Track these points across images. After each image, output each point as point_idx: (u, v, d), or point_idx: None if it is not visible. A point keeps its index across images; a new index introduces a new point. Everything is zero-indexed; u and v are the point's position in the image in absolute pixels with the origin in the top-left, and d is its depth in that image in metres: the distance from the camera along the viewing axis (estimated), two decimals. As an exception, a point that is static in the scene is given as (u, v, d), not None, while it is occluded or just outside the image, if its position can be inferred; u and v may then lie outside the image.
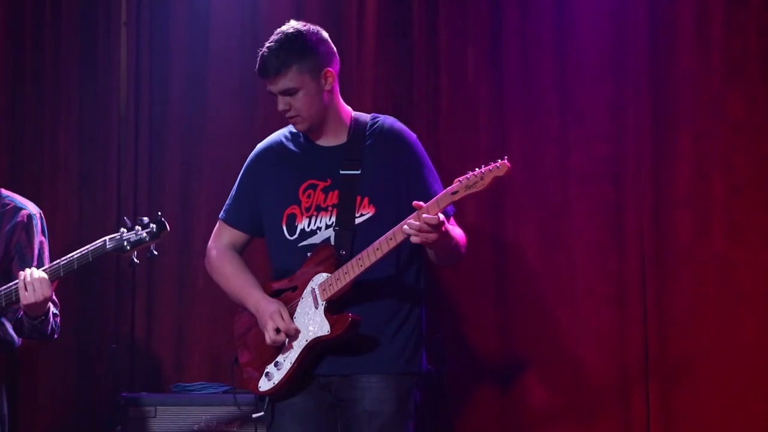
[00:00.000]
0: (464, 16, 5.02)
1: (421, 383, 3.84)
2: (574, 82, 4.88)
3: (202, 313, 5.18)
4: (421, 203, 3.53)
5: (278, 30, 3.83)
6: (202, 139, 5.27)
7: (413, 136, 3.89)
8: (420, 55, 5.04)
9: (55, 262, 3.93)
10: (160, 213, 3.91)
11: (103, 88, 5.28)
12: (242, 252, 3.99)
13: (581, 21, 4.87)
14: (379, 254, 3.60)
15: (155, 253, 3.89)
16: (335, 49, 3.84)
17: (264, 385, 3.75)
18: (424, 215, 3.51)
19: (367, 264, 3.61)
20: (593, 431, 4.79)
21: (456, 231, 3.75)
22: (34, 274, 3.88)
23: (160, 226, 3.87)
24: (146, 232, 3.86)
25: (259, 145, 3.99)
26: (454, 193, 3.49)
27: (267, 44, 3.79)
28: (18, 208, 4.14)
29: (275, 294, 3.80)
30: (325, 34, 3.83)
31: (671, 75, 4.76)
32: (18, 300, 3.89)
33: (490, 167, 3.47)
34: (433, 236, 3.52)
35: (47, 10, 5.32)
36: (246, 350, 3.84)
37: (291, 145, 3.91)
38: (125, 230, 3.86)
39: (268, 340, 3.72)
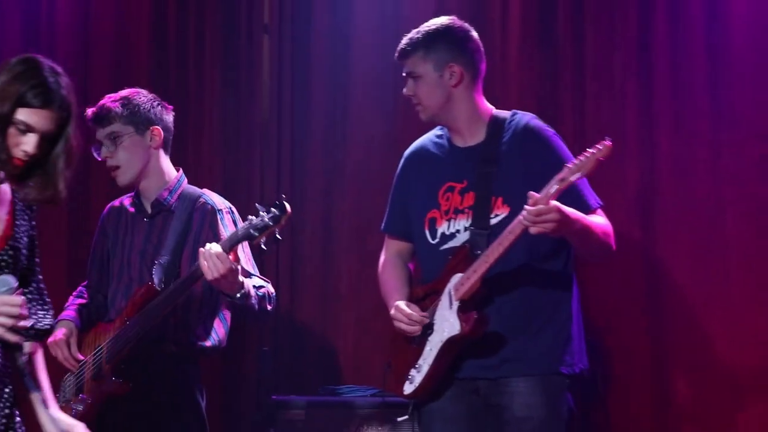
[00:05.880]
0: (611, 20, 4.94)
1: (574, 385, 3.73)
2: (726, 82, 4.76)
3: (347, 316, 5.15)
4: (534, 193, 3.44)
5: None
6: (344, 142, 5.25)
7: (550, 131, 3.79)
8: (566, 59, 4.97)
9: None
10: (284, 195, 3.79)
11: (246, 91, 5.28)
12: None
13: (734, 21, 4.76)
14: (502, 249, 3.53)
15: (279, 237, 3.77)
16: (477, 49, 3.81)
17: (407, 388, 3.73)
18: (531, 203, 3.42)
19: (492, 260, 3.55)
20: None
21: (595, 220, 3.65)
22: (212, 248, 3.79)
23: (281, 209, 3.72)
24: (269, 218, 3.73)
25: (406, 151, 3.97)
26: (561, 180, 3.43)
27: None
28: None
29: (421, 298, 3.76)
30: (472, 34, 3.82)
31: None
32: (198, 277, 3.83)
33: (594, 150, 3.40)
34: (550, 225, 3.42)
35: (191, 11, 5.34)
36: (396, 355, 3.82)
37: (434, 149, 3.88)
38: (253, 217, 3.78)
39: (400, 330, 3.71)
